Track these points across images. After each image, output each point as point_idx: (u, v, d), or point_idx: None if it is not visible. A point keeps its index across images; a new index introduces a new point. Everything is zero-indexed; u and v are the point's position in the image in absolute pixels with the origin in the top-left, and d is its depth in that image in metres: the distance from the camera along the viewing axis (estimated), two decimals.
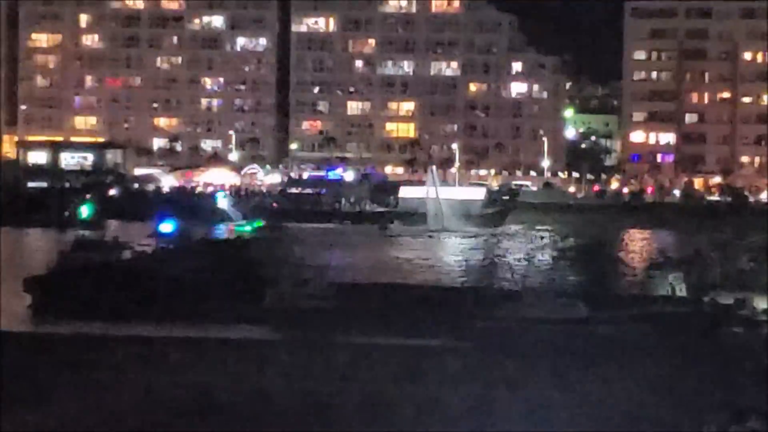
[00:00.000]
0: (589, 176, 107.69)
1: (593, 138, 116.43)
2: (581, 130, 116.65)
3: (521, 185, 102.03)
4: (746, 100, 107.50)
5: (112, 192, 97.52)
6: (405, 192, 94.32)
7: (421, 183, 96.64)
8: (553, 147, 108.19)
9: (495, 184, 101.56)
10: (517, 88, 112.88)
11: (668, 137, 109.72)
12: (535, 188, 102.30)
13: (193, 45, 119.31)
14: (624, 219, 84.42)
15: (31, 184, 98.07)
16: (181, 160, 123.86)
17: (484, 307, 25.70)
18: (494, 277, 32.73)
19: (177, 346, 21.68)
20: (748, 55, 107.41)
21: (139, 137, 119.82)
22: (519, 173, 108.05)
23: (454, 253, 59.00)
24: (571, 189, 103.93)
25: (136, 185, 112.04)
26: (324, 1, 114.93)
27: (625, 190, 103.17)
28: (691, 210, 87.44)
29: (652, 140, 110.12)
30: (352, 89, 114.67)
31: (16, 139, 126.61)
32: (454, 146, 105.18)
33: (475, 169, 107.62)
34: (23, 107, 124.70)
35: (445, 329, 23.19)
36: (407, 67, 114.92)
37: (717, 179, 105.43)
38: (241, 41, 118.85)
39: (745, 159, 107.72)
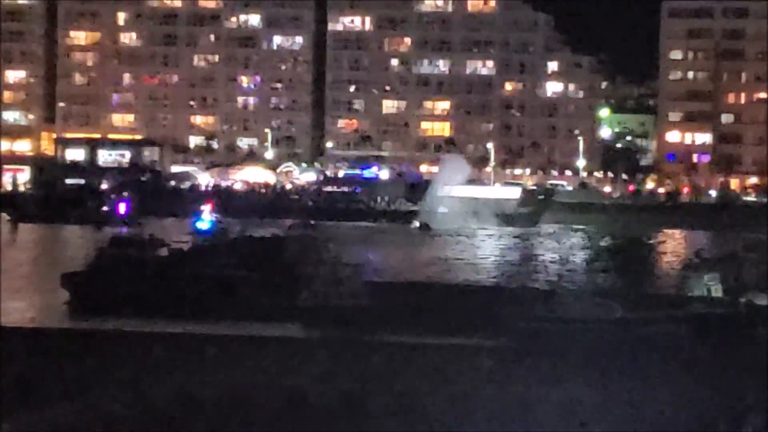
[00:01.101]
0: (625, 176, 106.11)
1: (629, 138, 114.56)
2: (617, 129, 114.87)
3: (556, 185, 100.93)
4: None
5: (150, 189, 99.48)
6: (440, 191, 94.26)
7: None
8: (589, 147, 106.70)
9: (530, 184, 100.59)
10: (553, 88, 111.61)
11: (704, 137, 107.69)
12: (570, 188, 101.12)
13: (229, 43, 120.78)
14: (659, 219, 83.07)
15: (69, 181, 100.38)
16: (218, 158, 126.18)
17: (519, 307, 25.52)
18: (530, 277, 32.47)
19: (210, 343, 21.88)
20: None
21: (176, 135, 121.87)
22: (554, 173, 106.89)
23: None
24: (607, 189, 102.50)
25: (173, 183, 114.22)
26: (360, 0, 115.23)
27: (661, 190, 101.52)
28: (727, 210, 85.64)
29: (688, 140, 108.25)
30: (387, 88, 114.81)
31: (54, 136, 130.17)
32: (490, 145, 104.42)
33: (511, 169, 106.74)
34: (61, 104, 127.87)
35: (481, 328, 23.11)
36: (443, 66, 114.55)
37: (753, 180, 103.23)
38: (277, 40, 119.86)
39: None
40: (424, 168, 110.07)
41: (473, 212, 78.62)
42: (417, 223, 78.86)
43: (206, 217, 39.26)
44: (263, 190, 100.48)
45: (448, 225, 76.23)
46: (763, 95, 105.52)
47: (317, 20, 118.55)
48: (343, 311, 25.05)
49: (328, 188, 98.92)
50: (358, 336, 21.97)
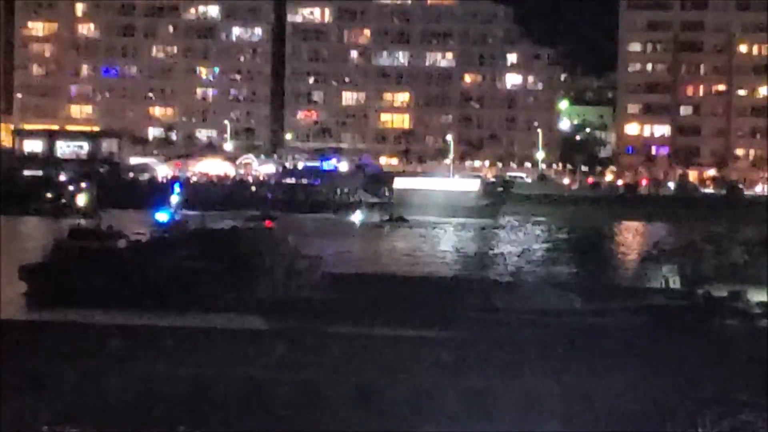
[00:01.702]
0: (584, 168, 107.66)
1: (588, 130, 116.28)
2: (576, 121, 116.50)
3: (516, 177, 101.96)
4: (741, 92, 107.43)
5: (108, 181, 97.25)
6: (399, 183, 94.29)
7: (415, 174, 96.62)
8: (548, 138, 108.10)
9: (489, 176, 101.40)
10: (512, 80, 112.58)
11: (663, 129, 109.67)
12: (529, 180, 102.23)
13: (188, 34, 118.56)
14: (619, 211, 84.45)
15: (26, 173, 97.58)
16: (177, 150, 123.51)
17: (477, 298, 25.60)
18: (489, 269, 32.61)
19: (167, 335, 21.49)
20: (743, 48, 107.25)
21: (135, 126, 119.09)
22: (513, 165, 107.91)
23: None
24: (566, 181, 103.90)
25: (131, 174, 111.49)
26: None
27: (620, 182, 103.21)
28: (686, 202, 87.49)
29: (647, 132, 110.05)
30: (347, 80, 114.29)
31: (11, 127, 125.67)
32: (449, 137, 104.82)
33: (470, 161, 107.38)
34: (19, 96, 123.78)
35: (439, 320, 23.10)
36: (402, 57, 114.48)
37: (712, 172, 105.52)
38: (236, 31, 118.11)
39: (740, 152, 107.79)
40: (383, 160, 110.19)
41: (432, 204, 78.97)
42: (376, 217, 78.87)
43: (166, 209, 38.48)
44: (222, 182, 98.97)
45: (407, 216, 76.44)
46: (721, 87, 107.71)
47: (276, 12, 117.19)
48: (301, 303, 24.79)
49: (288, 180, 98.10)
50: (313, 328, 21.75)
